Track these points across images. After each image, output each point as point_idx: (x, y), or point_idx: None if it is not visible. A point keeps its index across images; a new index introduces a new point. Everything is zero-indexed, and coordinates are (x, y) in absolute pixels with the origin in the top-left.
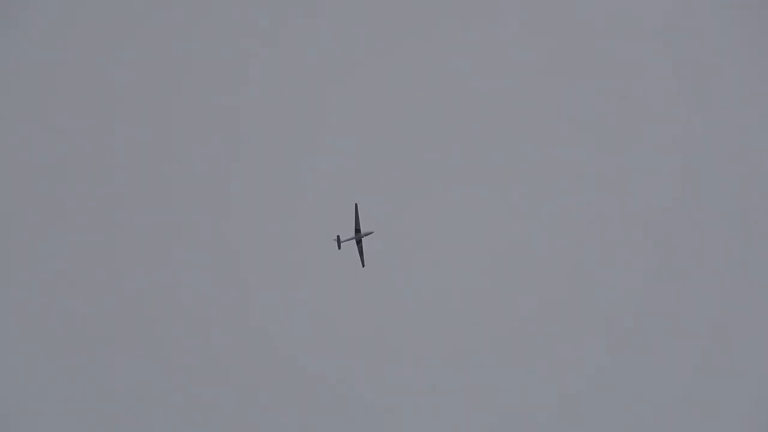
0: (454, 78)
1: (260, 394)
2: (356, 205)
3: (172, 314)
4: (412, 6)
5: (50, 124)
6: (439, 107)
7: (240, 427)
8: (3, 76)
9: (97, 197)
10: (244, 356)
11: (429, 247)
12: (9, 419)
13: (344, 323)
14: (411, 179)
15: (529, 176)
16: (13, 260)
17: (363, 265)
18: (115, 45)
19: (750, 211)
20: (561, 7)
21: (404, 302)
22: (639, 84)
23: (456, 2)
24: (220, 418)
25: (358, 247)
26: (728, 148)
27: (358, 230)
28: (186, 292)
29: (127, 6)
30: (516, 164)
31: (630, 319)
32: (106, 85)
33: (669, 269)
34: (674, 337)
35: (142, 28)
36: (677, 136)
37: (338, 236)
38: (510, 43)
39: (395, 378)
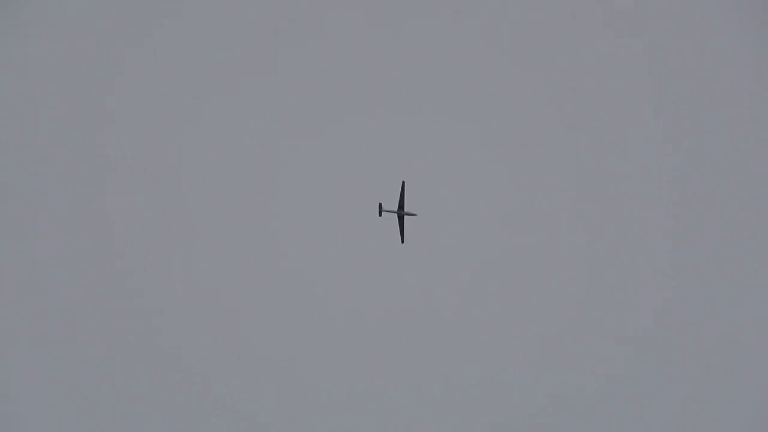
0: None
1: (266, 387)
2: (403, 183)
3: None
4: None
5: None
6: (440, 103)
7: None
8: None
9: (97, 195)
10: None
11: (430, 249)
12: (8, 420)
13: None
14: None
15: (533, 179)
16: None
17: (402, 241)
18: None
19: (754, 211)
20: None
21: (406, 300)
22: (642, 83)
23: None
24: (233, 413)
25: (399, 223)
26: (734, 148)
27: (402, 207)
28: (209, 283)
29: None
30: (520, 167)
31: (640, 322)
32: (103, 87)
33: (678, 272)
34: (681, 342)
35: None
36: (683, 136)
37: (381, 204)
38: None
39: (398, 375)
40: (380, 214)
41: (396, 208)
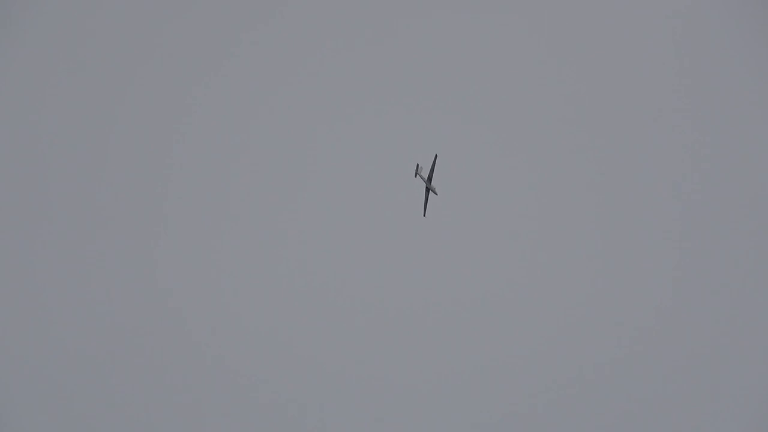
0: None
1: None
2: (435, 156)
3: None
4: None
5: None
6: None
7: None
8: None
9: (90, 197)
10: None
11: (441, 245)
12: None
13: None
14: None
15: (546, 178)
16: None
17: (424, 215)
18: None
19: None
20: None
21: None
22: (646, 85)
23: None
24: (240, 407)
25: (425, 195)
26: (734, 149)
27: (430, 179)
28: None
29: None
30: (532, 166)
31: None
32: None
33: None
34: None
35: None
36: (687, 141)
37: (418, 164)
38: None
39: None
40: (415, 175)
41: (427, 178)
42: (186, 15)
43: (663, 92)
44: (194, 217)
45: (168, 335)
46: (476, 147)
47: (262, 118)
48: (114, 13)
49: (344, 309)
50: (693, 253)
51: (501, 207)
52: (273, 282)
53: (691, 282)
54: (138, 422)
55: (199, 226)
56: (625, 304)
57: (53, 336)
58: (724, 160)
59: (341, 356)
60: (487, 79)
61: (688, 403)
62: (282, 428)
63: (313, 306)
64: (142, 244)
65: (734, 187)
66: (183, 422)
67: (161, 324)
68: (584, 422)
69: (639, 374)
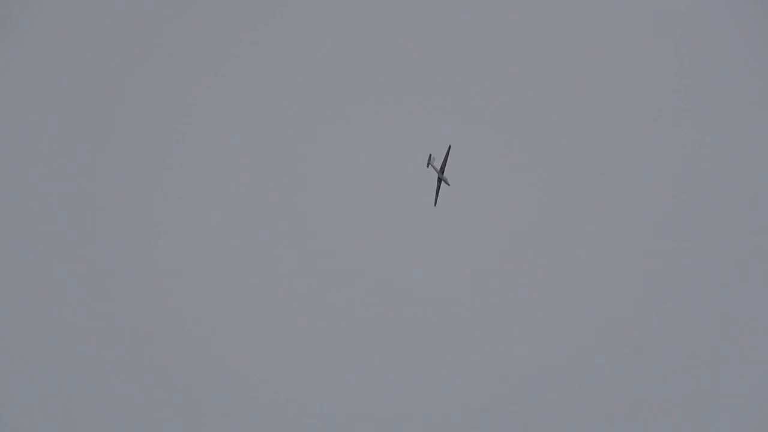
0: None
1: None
2: (449, 147)
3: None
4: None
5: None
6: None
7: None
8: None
9: (89, 194)
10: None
11: (442, 242)
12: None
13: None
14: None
15: (546, 178)
16: None
17: (435, 204)
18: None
19: (754, 212)
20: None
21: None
22: (642, 83)
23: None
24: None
25: (437, 185)
26: (734, 149)
27: (442, 170)
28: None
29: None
30: (520, 174)
31: (631, 318)
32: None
33: (671, 269)
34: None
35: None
36: (681, 138)
37: (431, 155)
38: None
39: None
40: (427, 165)
41: (439, 168)
42: (186, 15)
43: (663, 92)
44: (194, 217)
45: (168, 335)
46: (476, 147)
47: (262, 118)
48: (114, 13)
49: (344, 309)
50: (693, 253)
51: (501, 207)
52: (273, 282)
53: (690, 282)
54: (138, 422)
55: (199, 226)
56: (625, 305)
57: (53, 336)
58: (724, 160)
59: (341, 356)
60: (487, 79)
61: (688, 403)
62: (282, 428)
63: (313, 306)
64: (142, 244)
65: (734, 187)
66: (183, 422)
67: (161, 324)
68: (584, 422)
69: (639, 374)
